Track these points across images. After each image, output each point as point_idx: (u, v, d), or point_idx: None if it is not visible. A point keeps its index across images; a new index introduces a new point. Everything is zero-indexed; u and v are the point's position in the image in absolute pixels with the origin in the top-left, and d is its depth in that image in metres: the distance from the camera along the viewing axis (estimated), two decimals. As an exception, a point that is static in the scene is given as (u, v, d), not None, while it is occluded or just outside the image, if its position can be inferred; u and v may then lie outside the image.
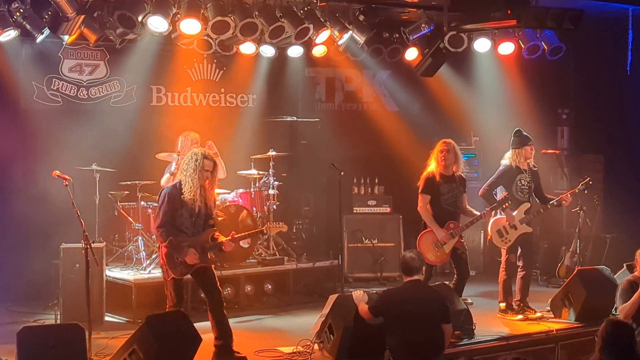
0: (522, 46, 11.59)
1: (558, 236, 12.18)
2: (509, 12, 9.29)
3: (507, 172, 9.85)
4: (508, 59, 11.95)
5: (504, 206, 9.62)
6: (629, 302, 7.82)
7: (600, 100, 12.80)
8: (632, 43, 12.38)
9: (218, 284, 8.17)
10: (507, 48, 11.60)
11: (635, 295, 7.78)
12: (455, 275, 9.57)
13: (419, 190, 9.49)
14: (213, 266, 8.49)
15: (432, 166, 9.51)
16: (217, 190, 10.48)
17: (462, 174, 9.60)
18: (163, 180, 10.70)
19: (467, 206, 9.65)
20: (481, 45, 11.51)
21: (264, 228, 9.02)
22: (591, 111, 12.92)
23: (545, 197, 10.13)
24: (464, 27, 10.55)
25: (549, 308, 9.83)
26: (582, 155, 13.00)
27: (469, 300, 10.02)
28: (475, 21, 10.00)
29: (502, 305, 9.83)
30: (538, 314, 9.71)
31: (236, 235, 8.26)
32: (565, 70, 13.04)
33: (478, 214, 9.56)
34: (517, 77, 12.49)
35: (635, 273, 8.11)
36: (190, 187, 7.90)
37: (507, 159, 9.95)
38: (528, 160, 9.93)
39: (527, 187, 9.86)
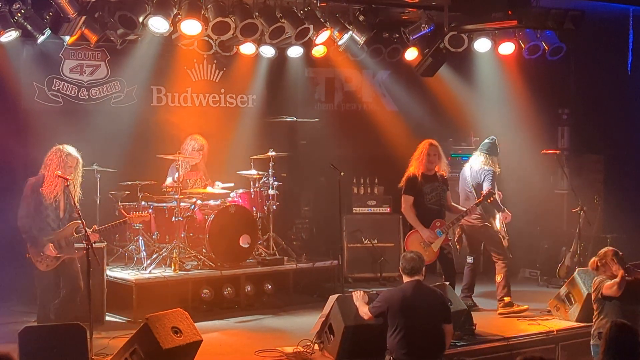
0: (523, 46, 11.59)
1: (558, 236, 12.19)
2: (509, 12, 9.31)
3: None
4: (508, 59, 11.95)
5: (488, 201, 9.69)
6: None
7: (601, 101, 12.80)
8: (632, 43, 12.39)
9: (81, 280, 8.45)
10: (507, 48, 11.60)
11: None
12: (442, 276, 9.60)
13: (402, 192, 9.61)
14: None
15: (413, 166, 9.64)
16: (216, 191, 10.59)
17: (443, 173, 9.70)
18: (168, 183, 10.72)
19: (452, 203, 9.78)
20: (481, 45, 11.51)
21: (126, 218, 9.02)
22: (592, 111, 12.93)
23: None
24: (464, 28, 10.55)
25: (549, 308, 9.84)
26: (583, 156, 13.01)
27: (470, 302, 10.03)
28: (476, 21, 10.01)
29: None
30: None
31: (99, 228, 8.55)
32: (565, 70, 13.05)
33: (464, 210, 9.66)
34: (518, 77, 12.49)
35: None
36: (52, 182, 8.33)
37: (488, 165, 10.08)
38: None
39: None
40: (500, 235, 10.07)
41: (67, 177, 8.22)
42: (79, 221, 8.34)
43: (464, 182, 10.26)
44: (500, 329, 9.20)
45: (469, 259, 10.30)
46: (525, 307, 9.92)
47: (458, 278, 9.93)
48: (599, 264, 8.02)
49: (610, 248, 8.19)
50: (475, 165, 10.18)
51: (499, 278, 10.00)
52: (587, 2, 10.93)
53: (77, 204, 8.46)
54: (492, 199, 9.68)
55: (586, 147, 13.05)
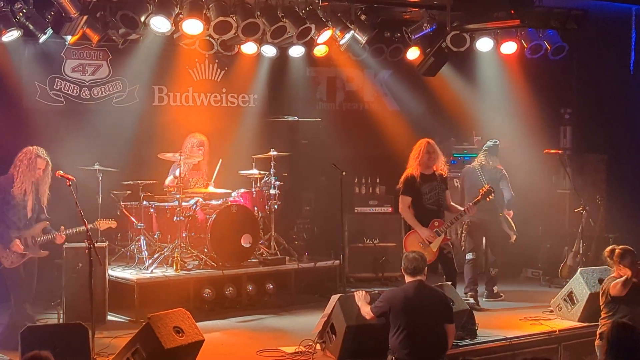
0: (525, 46, 11.56)
1: (561, 236, 12.17)
2: (512, 11, 9.29)
3: None
4: (510, 58, 11.93)
5: (487, 199, 9.73)
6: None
7: (603, 100, 12.79)
8: (635, 43, 12.39)
9: (34, 281, 8.72)
10: (509, 48, 11.58)
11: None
12: (444, 276, 9.56)
13: (400, 192, 9.55)
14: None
15: (411, 166, 9.57)
16: (217, 190, 10.58)
17: (442, 172, 9.63)
18: (167, 182, 10.73)
19: (451, 203, 9.73)
20: (483, 44, 11.48)
21: (93, 224, 9.03)
22: (594, 111, 12.91)
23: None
24: (466, 27, 10.53)
25: (551, 308, 9.83)
26: (585, 155, 12.99)
27: (472, 301, 10.04)
28: (478, 21, 9.99)
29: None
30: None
31: (66, 231, 8.66)
32: (568, 70, 13.04)
33: (462, 209, 9.63)
34: (520, 76, 12.47)
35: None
36: (21, 183, 8.51)
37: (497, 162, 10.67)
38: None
39: None
40: (506, 232, 10.42)
41: (69, 176, 8.21)
42: (47, 222, 8.60)
43: (476, 181, 10.47)
44: (503, 329, 9.19)
45: (469, 256, 10.57)
46: None
47: (459, 278, 9.92)
48: (609, 259, 8.06)
49: (623, 247, 8.17)
50: (488, 165, 10.59)
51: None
52: (590, 1, 10.93)
53: (45, 206, 8.66)
54: (491, 197, 9.71)
55: (589, 147, 13.03)
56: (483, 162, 10.81)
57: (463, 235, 10.72)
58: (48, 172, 8.67)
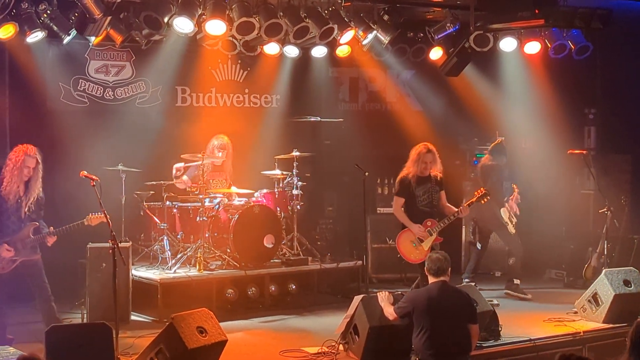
0: (549, 45, 11.51)
1: (585, 237, 12.08)
2: (536, 11, 9.24)
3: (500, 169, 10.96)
4: (534, 58, 11.88)
5: (482, 202, 9.85)
6: None
7: (628, 100, 12.68)
8: (660, 43, 12.28)
9: (46, 285, 8.50)
10: (533, 47, 11.53)
11: None
12: None
13: (394, 193, 9.78)
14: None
15: (409, 168, 9.71)
16: (240, 191, 10.59)
17: (437, 174, 9.76)
18: (181, 181, 10.74)
19: (446, 203, 9.83)
20: (507, 44, 11.44)
21: (84, 220, 8.64)
22: (618, 111, 12.81)
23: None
24: (490, 27, 10.50)
25: (575, 309, 9.77)
26: (609, 156, 12.89)
27: (495, 302, 9.99)
28: (502, 20, 9.97)
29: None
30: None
31: (55, 229, 8.42)
32: (592, 69, 12.94)
33: (455, 210, 9.72)
34: (543, 76, 12.40)
35: None
36: (9, 183, 8.29)
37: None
38: None
39: None
40: (506, 224, 10.80)
41: (93, 176, 8.21)
42: (37, 223, 8.39)
43: (503, 178, 10.84)
44: (526, 330, 9.13)
45: (478, 245, 11.15)
46: None
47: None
48: None
49: None
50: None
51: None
52: (615, 1, 10.84)
53: (33, 205, 8.42)
54: (486, 199, 9.87)
55: (613, 147, 12.93)
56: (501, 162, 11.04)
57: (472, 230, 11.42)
58: (38, 171, 8.43)
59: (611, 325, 9.19)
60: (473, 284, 9.89)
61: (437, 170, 9.77)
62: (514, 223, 10.95)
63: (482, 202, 9.84)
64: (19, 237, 8.33)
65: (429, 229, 9.55)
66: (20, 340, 8.42)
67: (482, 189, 9.96)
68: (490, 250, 11.50)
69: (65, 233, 8.51)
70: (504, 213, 10.92)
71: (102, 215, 8.63)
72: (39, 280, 8.54)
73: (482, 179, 11.21)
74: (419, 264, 9.46)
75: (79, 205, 9.15)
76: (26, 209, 8.41)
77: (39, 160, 8.44)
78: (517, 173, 11.27)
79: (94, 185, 8.11)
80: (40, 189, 8.53)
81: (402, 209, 9.65)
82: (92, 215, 8.67)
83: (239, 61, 11.89)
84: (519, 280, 10.97)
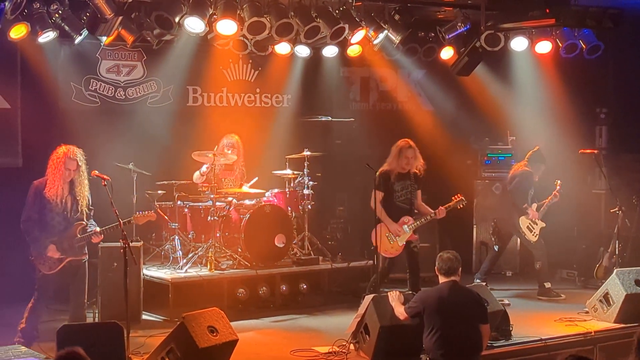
0: (560, 45, 11.47)
1: (596, 237, 12.06)
2: (547, 10, 9.22)
3: (530, 177, 11.00)
4: (545, 57, 11.83)
5: (459, 207, 9.88)
6: None
7: (639, 99, 12.63)
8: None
9: (85, 285, 8.53)
10: (544, 47, 11.49)
11: None
12: (407, 271, 9.85)
13: (374, 187, 9.75)
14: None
15: (390, 164, 9.75)
16: (251, 190, 10.60)
17: (417, 172, 9.80)
18: (195, 177, 10.78)
19: (421, 202, 9.86)
20: (518, 44, 11.40)
21: (131, 218, 8.71)
22: (630, 110, 12.77)
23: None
24: (501, 26, 10.47)
25: (587, 309, 9.75)
26: (621, 155, 12.85)
27: (506, 301, 9.98)
28: (513, 20, 9.94)
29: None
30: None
31: (101, 229, 8.43)
32: (603, 69, 12.90)
33: (432, 210, 9.74)
34: (555, 76, 12.37)
35: None
36: (52, 185, 8.33)
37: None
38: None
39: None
40: (523, 233, 10.93)
41: (104, 176, 8.25)
42: (83, 222, 8.39)
43: (531, 190, 11.00)
44: (538, 330, 9.12)
45: (495, 247, 11.21)
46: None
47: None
48: None
49: None
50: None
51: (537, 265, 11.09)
52: (626, 0, 10.80)
53: (85, 207, 8.45)
54: (462, 205, 9.91)
55: (624, 147, 12.89)
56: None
57: (491, 230, 11.40)
58: (81, 172, 8.47)
59: (622, 325, 9.17)
60: (484, 283, 9.88)
61: (417, 168, 9.81)
62: (534, 231, 10.94)
63: (459, 207, 9.87)
64: (65, 236, 8.36)
65: (405, 225, 9.62)
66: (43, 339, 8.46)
67: (459, 194, 9.93)
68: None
69: (110, 232, 8.52)
70: (522, 222, 10.93)
71: (151, 212, 8.80)
72: (80, 284, 8.54)
73: (509, 181, 11.21)
74: (391, 258, 9.70)
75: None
76: (72, 209, 8.42)
77: (80, 163, 8.45)
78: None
79: (105, 185, 8.14)
80: (87, 189, 8.54)
81: (380, 203, 9.66)
82: (138, 214, 8.81)
83: (250, 61, 11.91)
84: (549, 284, 10.97)
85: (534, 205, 10.98)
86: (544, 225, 11.00)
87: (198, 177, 10.78)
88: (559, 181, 11.03)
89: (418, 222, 9.72)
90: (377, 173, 9.72)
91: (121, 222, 8.00)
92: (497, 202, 12.22)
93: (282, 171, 11.04)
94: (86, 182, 8.53)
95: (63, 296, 8.84)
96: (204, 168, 10.67)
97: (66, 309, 8.84)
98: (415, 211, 9.80)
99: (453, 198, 9.87)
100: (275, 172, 11.09)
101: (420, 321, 7.53)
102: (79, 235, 8.41)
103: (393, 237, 9.65)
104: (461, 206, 9.91)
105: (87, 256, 8.60)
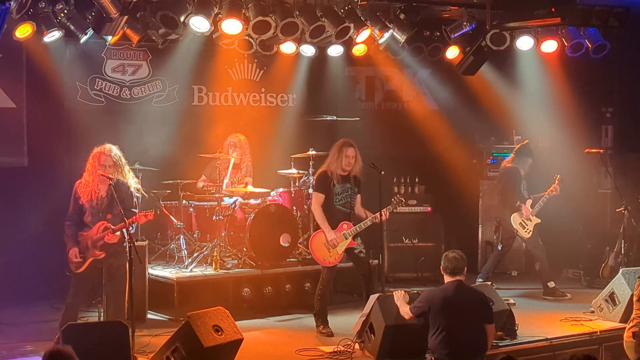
0: (566, 44, 11.45)
1: (602, 236, 12.03)
2: (553, 9, 9.20)
3: (517, 173, 10.93)
4: (551, 57, 11.82)
5: (396, 209, 9.35)
6: None
7: (645, 99, 12.62)
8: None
9: (124, 289, 8.27)
10: (550, 46, 11.47)
11: None
12: (361, 276, 9.44)
13: (313, 189, 9.38)
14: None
15: (330, 164, 9.21)
16: (256, 190, 10.60)
17: (357, 174, 9.27)
18: (199, 183, 10.78)
19: (361, 206, 9.35)
20: (524, 43, 11.38)
21: (134, 219, 8.50)
22: (636, 110, 12.74)
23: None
24: (507, 25, 10.46)
25: (592, 309, 9.73)
26: (627, 154, 12.81)
27: (512, 301, 9.97)
28: (519, 19, 9.92)
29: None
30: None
31: (113, 227, 8.27)
32: (609, 68, 12.87)
33: (372, 215, 9.20)
34: (560, 75, 12.34)
35: None
36: (87, 183, 8.33)
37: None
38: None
39: (526, 187, 11.00)
40: (515, 230, 10.86)
41: (109, 175, 8.26)
42: (105, 222, 8.32)
43: (522, 184, 10.90)
44: (543, 329, 9.11)
45: (499, 246, 11.10)
46: None
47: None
48: None
49: None
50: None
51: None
52: (632, -2, 10.77)
53: (106, 204, 8.35)
54: (400, 205, 9.38)
55: (630, 146, 12.86)
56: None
57: (494, 229, 11.35)
58: (121, 169, 8.44)
59: (628, 325, 9.14)
60: (489, 283, 9.86)
61: (356, 171, 9.26)
62: (527, 228, 10.87)
63: (397, 207, 9.33)
64: (89, 235, 8.35)
65: (344, 232, 9.09)
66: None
67: (398, 195, 9.60)
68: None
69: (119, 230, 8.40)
70: (514, 219, 10.85)
71: (150, 212, 8.59)
72: (118, 286, 8.41)
73: (498, 180, 11.24)
74: (331, 267, 9.18)
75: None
76: (106, 209, 8.38)
77: (115, 158, 8.43)
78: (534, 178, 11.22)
79: (110, 185, 8.15)
80: (133, 183, 8.58)
81: (321, 207, 9.13)
82: (140, 213, 8.63)
83: (255, 60, 11.90)
84: (552, 283, 10.92)
85: (529, 202, 10.90)
86: (539, 221, 10.91)
87: (203, 181, 10.82)
88: (558, 175, 10.93)
89: (358, 227, 9.11)
90: (317, 174, 9.30)
91: (127, 221, 8.00)
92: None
93: (287, 170, 11.04)
94: (129, 179, 8.50)
95: (87, 296, 8.86)
96: (201, 183, 10.72)
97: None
98: (355, 215, 9.27)
99: (393, 200, 9.36)
100: (280, 171, 11.08)
101: (425, 321, 7.52)
102: (99, 234, 8.32)
103: (332, 246, 9.09)
104: (400, 206, 9.33)
105: (101, 254, 8.36)
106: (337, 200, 9.19)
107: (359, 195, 9.33)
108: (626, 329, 7.97)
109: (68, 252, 8.34)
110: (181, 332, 7.29)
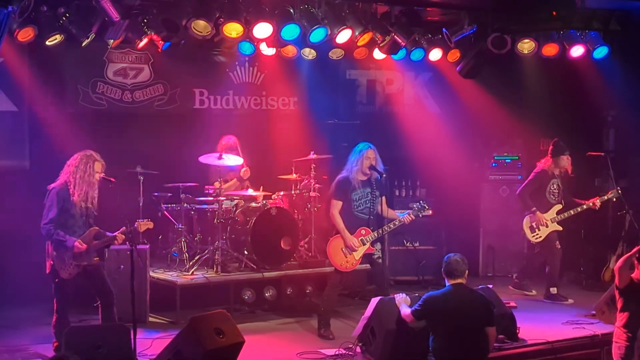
0: (567, 47, 11.45)
1: (603, 239, 12.03)
2: (554, 13, 9.21)
3: (542, 176, 10.79)
4: (552, 60, 11.81)
5: (420, 215, 9.26)
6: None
7: (647, 102, 12.60)
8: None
9: (108, 283, 8.50)
10: (551, 49, 11.47)
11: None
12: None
13: (331, 195, 9.26)
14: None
15: (351, 170, 9.16)
16: (258, 193, 10.60)
17: (379, 178, 9.17)
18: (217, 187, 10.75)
19: (386, 208, 9.20)
20: (525, 46, 11.38)
21: (135, 225, 8.51)
22: (637, 113, 12.67)
23: (573, 202, 11.00)
24: (508, 29, 10.46)
25: (594, 312, 9.73)
26: (628, 158, 12.80)
27: (513, 304, 9.96)
28: (520, 22, 9.93)
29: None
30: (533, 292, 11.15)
31: (112, 234, 8.30)
32: (610, 71, 12.83)
33: (400, 217, 9.17)
34: (562, 78, 12.35)
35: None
36: (82, 189, 8.23)
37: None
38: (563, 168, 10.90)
39: (557, 191, 10.85)
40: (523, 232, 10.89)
41: (111, 178, 8.26)
42: (97, 228, 8.32)
43: (551, 187, 10.89)
44: (544, 332, 9.09)
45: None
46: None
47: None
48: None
49: None
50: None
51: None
52: (633, 2, 10.78)
53: (94, 211, 8.41)
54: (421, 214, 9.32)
55: (632, 149, 12.84)
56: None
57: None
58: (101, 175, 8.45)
59: (630, 328, 9.13)
60: (490, 285, 9.81)
61: (377, 174, 9.16)
62: (538, 234, 10.79)
63: (420, 215, 9.23)
64: (85, 241, 8.26)
65: (362, 237, 9.06)
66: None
67: (422, 201, 9.43)
68: (507, 252, 11.45)
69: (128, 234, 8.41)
70: (525, 221, 10.84)
71: (149, 221, 8.68)
72: (106, 285, 8.51)
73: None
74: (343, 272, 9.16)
75: (97, 207, 9.18)
76: (88, 214, 8.38)
77: (103, 164, 8.43)
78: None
79: (112, 187, 8.15)
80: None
81: (339, 214, 9.05)
82: (140, 221, 8.68)
83: (257, 63, 11.92)
84: (555, 289, 10.87)
85: (556, 207, 10.81)
86: (559, 229, 10.80)
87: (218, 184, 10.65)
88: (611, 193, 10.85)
89: (376, 234, 9.10)
90: (336, 180, 9.24)
91: (129, 225, 8.00)
92: (504, 204, 12.20)
93: (288, 176, 11.03)
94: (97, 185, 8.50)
95: (79, 302, 8.87)
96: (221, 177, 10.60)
97: (74, 311, 8.87)
98: (375, 221, 9.14)
99: (415, 206, 9.26)
100: (281, 176, 11.08)
101: (426, 324, 7.52)
102: (95, 241, 8.30)
103: (348, 251, 9.03)
104: (422, 213, 9.24)
105: (97, 260, 8.47)
106: (356, 206, 9.14)
107: (383, 197, 9.19)
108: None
109: (64, 256, 8.23)
110: (183, 335, 7.29)
